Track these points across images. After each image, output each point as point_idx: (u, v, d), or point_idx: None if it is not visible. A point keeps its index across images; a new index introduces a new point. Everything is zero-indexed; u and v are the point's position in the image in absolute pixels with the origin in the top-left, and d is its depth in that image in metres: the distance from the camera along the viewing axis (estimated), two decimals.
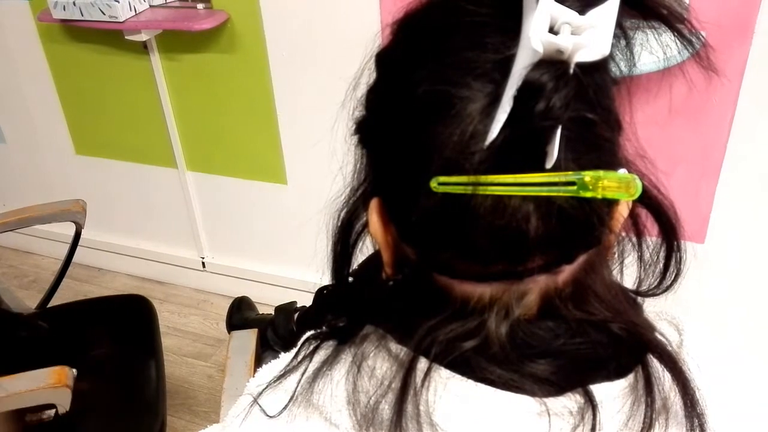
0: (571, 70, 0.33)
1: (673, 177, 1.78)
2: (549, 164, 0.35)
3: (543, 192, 0.35)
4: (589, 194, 0.35)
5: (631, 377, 0.44)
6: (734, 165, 1.49)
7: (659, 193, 0.49)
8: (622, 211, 0.43)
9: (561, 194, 0.36)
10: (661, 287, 0.51)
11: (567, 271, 0.42)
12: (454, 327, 0.43)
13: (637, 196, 0.35)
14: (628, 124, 0.43)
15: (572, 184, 0.35)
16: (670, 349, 0.45)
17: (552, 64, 0.33)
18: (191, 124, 2.04)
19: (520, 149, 0.35)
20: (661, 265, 0.50)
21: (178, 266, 2.36)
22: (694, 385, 0.44)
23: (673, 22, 0.39)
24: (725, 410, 0.46)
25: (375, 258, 0.51)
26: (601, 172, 0.35)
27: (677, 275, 0.51)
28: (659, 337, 0.46)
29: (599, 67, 0.36)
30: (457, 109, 0.37)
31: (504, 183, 0.35)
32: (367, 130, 0.46)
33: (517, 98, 0.34)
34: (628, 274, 0.51)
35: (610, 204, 0.41)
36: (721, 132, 1.46)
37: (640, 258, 0.51)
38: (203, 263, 2.32)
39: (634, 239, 0.50)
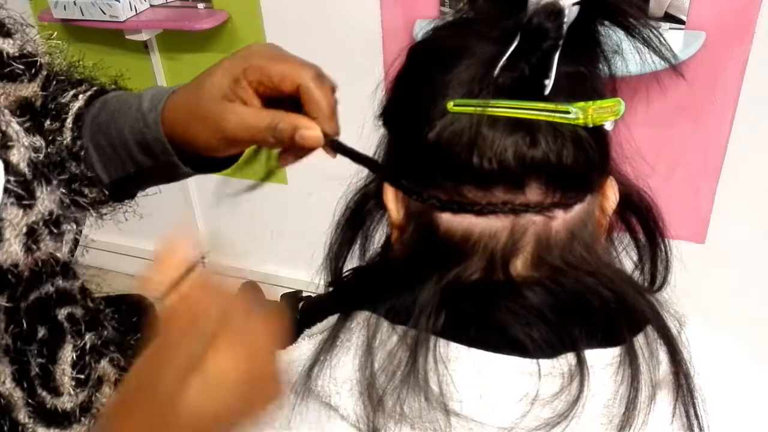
0: (565, 11, 0.41)
1: (673, 177, 1.78)
2: (546, 91, 0.42)
3: (541, 116, 0.42)
4: (580, 121, 0.42)
5: (624, 346, 0.45)
6: (734, 165, 1.49)
7: (645, 195, 0.53)
8: (609, 193, 0.48)
9: (556, 119, 0.42)
10: (654, 286, 0.53)
11: (561, 219, 0.45)
12: (458, 270, 0.45)
13: (620, 115, 0.42)
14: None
15: (566, 113, 0.42)
16: (666, 323, 0.47)
17: (549, 6, 0.41)
18: None
19: (524, 81, 0.42)
20: (648, 264, 0.53)
21: None
22: (688, 361, 0.45)
23: (639, 34, 0.45)
24: (719, 403, 0.47)
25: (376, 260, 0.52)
26: (589, 103, 0.42)
27: (666, 274, 0.54)
28: (659, 313, 0.47)
29: (590, 32, 0.45)
30: (473, 50, 0.44)
31: (508, 107, 0.42)
32: (390, 108, 0.51)
33: (522, 35, 0.42)
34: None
35: (603, 151, 0.46)
36: (721, 132, 1.46)
37: (639, 256, 0.53)
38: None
39: (627, 240, 0.53)
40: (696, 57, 1.35)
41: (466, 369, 0.45)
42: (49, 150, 0.56)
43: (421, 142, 0.45)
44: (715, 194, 1.53)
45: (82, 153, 0.59)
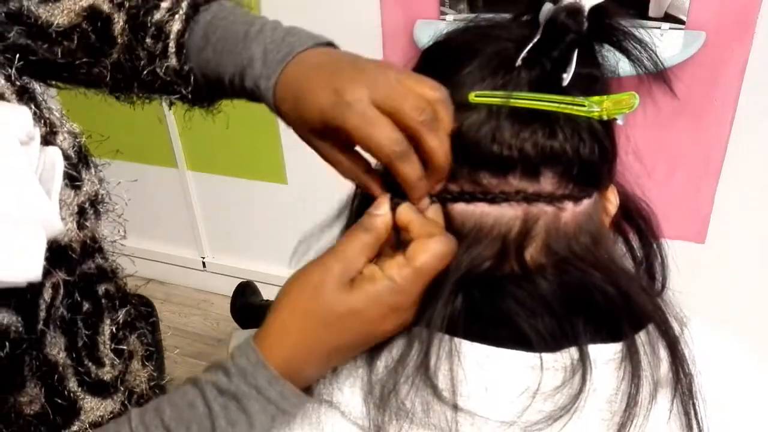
0: (585, 10, 0.44)
1: (674, 177, 1.77)
2: (565, 83, 0.44)
3: (560, 108, 0.44)
4: (595, 114, 0.44)
5: (625, 342, 0.46)
6: (734, 165, 1.49)
7: (643, 205, 0.54)
8: (610, 196, 0.49)
9: (574, 111, 0.44)
10: (655, 288, 0.54)
11: (570, 212, 0.46)
12: (470, 259, 0.46)
13: (635, 108, 0.45)
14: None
15: (583, 106, 0.44)
16: (669, 321, 0.47)
17: (570, 5, 0.44)
18: (191, 123, 2.04)
19: (542, 77, 0.45)
20: (644, 269, 0.53)
21: (179, 266, 2.36)
22: (690, 361, 0.46)
23: (634, 53, 0.47)
24: (719, 402, 0.47)
25: None
26: (604, 97, 0.44)
27: (664, 278, 0.55)
28: (662, 311, 0.47)
29: (604, 40, 0.47)
30: (492, 47, 0.47)
31: (528, 98, 0.44)
32: None
33: (544, 31, 0.44)
34: None
35: (614, 147, 0.48)
36: (721, 132, 1.46)
37: (633, 260, 0.54)
38: (203, 263, 2.32)
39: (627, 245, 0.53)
40: (696, 57, 1.35)
41: (468, 364, 0.45)
42: (155, 69, 0.60)
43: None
44: (715, 194, 1.53)
45: (192, 77, 0.61)
